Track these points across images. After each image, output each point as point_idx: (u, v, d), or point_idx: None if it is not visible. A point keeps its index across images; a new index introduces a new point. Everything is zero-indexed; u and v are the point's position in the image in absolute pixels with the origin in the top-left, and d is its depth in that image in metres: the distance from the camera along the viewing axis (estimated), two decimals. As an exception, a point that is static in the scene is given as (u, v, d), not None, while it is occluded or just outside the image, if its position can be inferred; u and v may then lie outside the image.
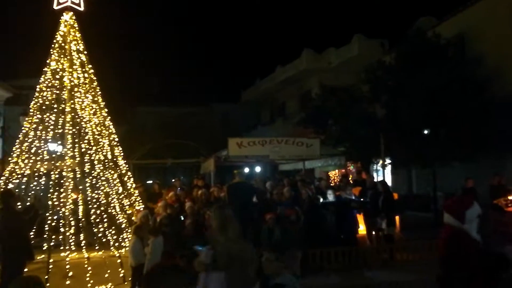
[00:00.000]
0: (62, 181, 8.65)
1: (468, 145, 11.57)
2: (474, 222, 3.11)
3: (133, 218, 8.87)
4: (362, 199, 9.46)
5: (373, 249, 8.98)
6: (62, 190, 8.58)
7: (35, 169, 9.12)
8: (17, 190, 8.78)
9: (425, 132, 12.30)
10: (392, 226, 9.12)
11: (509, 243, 7.47)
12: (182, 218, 8.63)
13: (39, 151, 9.00)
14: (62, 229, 8.65)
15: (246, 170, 17.03)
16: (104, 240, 8.64)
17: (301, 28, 45.99)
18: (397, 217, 9.59)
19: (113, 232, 8.76)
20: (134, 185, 10.06)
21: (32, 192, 9.24)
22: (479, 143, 11.62)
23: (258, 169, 16.96)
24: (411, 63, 12.79)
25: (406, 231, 10.16)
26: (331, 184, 13.12)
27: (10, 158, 9.33)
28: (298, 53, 24.25)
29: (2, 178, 9.05)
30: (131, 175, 10.20)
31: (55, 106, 9.13)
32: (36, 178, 9.34)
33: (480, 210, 3.18)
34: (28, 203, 8.44)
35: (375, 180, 11.20)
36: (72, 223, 8.78)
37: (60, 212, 8.61)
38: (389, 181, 15.15)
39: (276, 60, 28.70)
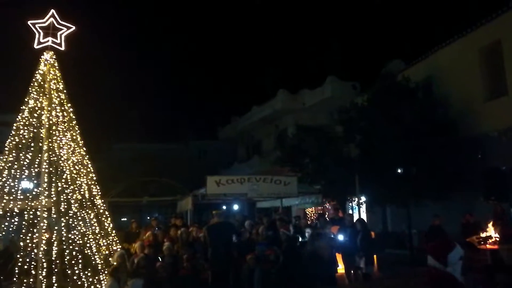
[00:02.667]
0: (36, 221, 8.42)
1: (439, 183, 11.98)
2: (457, 265, 3.19)
3: (110, 259, 8.66)
4: (341, 238, 9.53)
5: (352, 288, 9.02)
6: (35, 230, 8.34)
7: (7, 209, 8.85)
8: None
9: (398, 171, 12.68)
10: (370, 265, 9.21)
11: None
12: (160, 259, 8.50)
13: (13, 190, 8.78)
14: (33, 272, 8.33)
15: (224, 207, 16.95)
16: (79, 282, 8.35)
17: (276, 69, 47.23)
18: (374, 256, 9.70)
19: (89, 274, 8.49)
20: (111, 225, 9.87)
21: (3, 233, 8.92)
22: (450, 181, 12.05)
23: (236, 206, 16.92)
24: (383, 105, 13.33)
25: (382, 269, 10.25)
26: (309, 222, 13.21)
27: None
28: (273, 93, 24.89)
29: (-29, 218, 8.73)
30: (108, 215, 10.02)
31: (32, 144, 9.02)
32: (8, 218, 9.04)
33: (462, 252, 3.26)
34: (3, 247, 8.15)
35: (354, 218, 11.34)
36: (45, 264, 8.48)
37: (33, 253, 8.33)
38: (364, 219, 15.37)
39: (252, 99, 29.26)
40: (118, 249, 8.95)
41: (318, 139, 15.33)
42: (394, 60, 18.78)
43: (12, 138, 9.20)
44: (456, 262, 3.18)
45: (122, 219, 20.43)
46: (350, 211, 15.48)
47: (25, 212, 8.56)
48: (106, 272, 8.18)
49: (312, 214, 19.22)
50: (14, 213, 8.86)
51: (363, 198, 14.79)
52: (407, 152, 12.35)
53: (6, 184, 8.84)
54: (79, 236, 8.76)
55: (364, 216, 16.07)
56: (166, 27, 59.97)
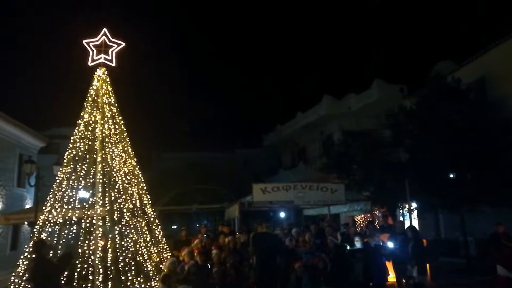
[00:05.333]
0: (92, 229, 8.85)
1: (496, 188, 11.37)
2: None
3: (161, 266, 8.92)
4: (391, 246, 9.25)
5: (404, 298, 8.73)
6: (91, 238, 8.76)
7: (67, 217, 9.35)
8: (49, 238, 8.99)
9: (451, 175, 12.18)
10: (423, 274, 8.87)
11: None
12: (209, 266, 8.64)
13: (71, 199, 9.26)
14: (91, 277, 8.73)
15: (271, 215, 16.99)
16: (132, 288, 8.66)
17: (320, 74, 47.00)
18: (427, 265, 9.33)
19: (141, 280, 8.80)
20: (161, 233, 10.16)
21: (63, 240, 9.38)
22: (506, 186, 11.40)
23: (282, 214, 16.89)
24: (432, 108, 12.89)
25: (438, 278, 9.84)
26: (358, 229, 12.94)
27: (44, 207, 9.62)
28: (317, 99, 24.75)
29: (36, 226, 9.32)
30: (158, 223, 10.32)
31: (87, 156, 9.49)
32: (67, 226, 9.53)
33: None
34: (64, 252, 8.63)
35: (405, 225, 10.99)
36: (101, 270, 8.85)
37: (90, 259, 8.74)
38: (416, 225, 14.86)
39: (296, 106, 29.29)
40: (169, 257, 9.19)
41: (365, 144, 15.04)
42: (444, 61, 18.13)
43: (69, 151, 9.74)
44: None
45: (172, 227, 20.98)
46: (401, 218, 15.03)
47: (82, 221, 9.02)
48: (157, 279, 8.43)
49: (361, 222, 18.82)
50: (73, 222, 9.35)
51: (414, 205, 14.30)
52: (460, 156, 11.84)
53: (65, 194, 9.36)
54: (131, 244, 9.11)
55: (415, 223, 15.54)
56: (214, 40, 61.33)
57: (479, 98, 13.36)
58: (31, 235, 9.79)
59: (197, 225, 16.64)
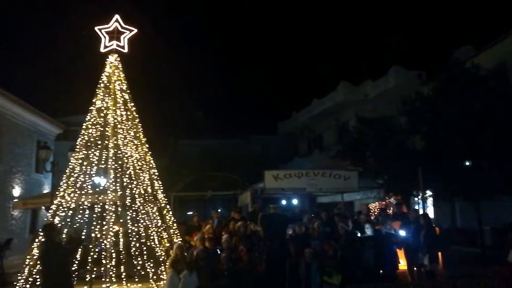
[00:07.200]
0: (104, 214, 9.00)
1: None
2: None
3: (170, 251, 9.04)
4: (404, 234, 9.13)
5: (414, 286, 8.63)
6: (104, 222, 8.91)
7: (80, 202, 9.51)
8: (63, 223, 9.18)
9: (467, 163, 11.89)
10: (434, 262, 8.74)
11: None
12: (219, 252, 8.69)
13: (84, 185, 9.41)
14: (104, 261, 8.90)
15: (284, 202, 16.93)
16: (143, 272, 8.81)
17: (337, 60, 46.29)
18: (439, 253, 9.18)
19: (152, 264, 8.94)
20: (173, 218, 10.27)
21: (76, 225, 9.55)
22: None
23: (295, 201, 16.84)
24: (451, 94, 12.55)
25: (450, 267, 9.67)
26: (372, 217, 12.82)
27: (57, 192, 9.81)
28: (334, 85, 24.42)
29: (50, 211, 9.52)
30: (170, 209, 10.42)
31: (100, 142, 9.61)
32: (80, 211, 9.70)
33: None
34: (71, 235, 8.80)
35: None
36: (113, 255, 9.02)
37: (102, 244, 8.92)
38: (431, 214, 14.63)
39: (313, 92, 29.00)
40: (178, 241, 9.29)
41: (380, 131, 14.78)
42: (464, 46, 17.60)
43: (82, 137, 9.87)
44: None
45: (188, 213, 21.19)
46: (416, 206, 14.81)
47: (95, 206, 9.18)
48: (167, 263, 8.54)
49: (376, 209, 18.65)
50: (85, 207, 9.51)
51: (428, 193, 14.05)
52: (477, 143, 11.53)
53: (78, 180, 9.51)
54: (143, 229, 9.24)
55: (430, 211, 15.30)
56: (229, 28, 61.03)
57: (500, 84, 12.94)
58: (45, 219, 10.04)
59: (212, 211, 16.72)
